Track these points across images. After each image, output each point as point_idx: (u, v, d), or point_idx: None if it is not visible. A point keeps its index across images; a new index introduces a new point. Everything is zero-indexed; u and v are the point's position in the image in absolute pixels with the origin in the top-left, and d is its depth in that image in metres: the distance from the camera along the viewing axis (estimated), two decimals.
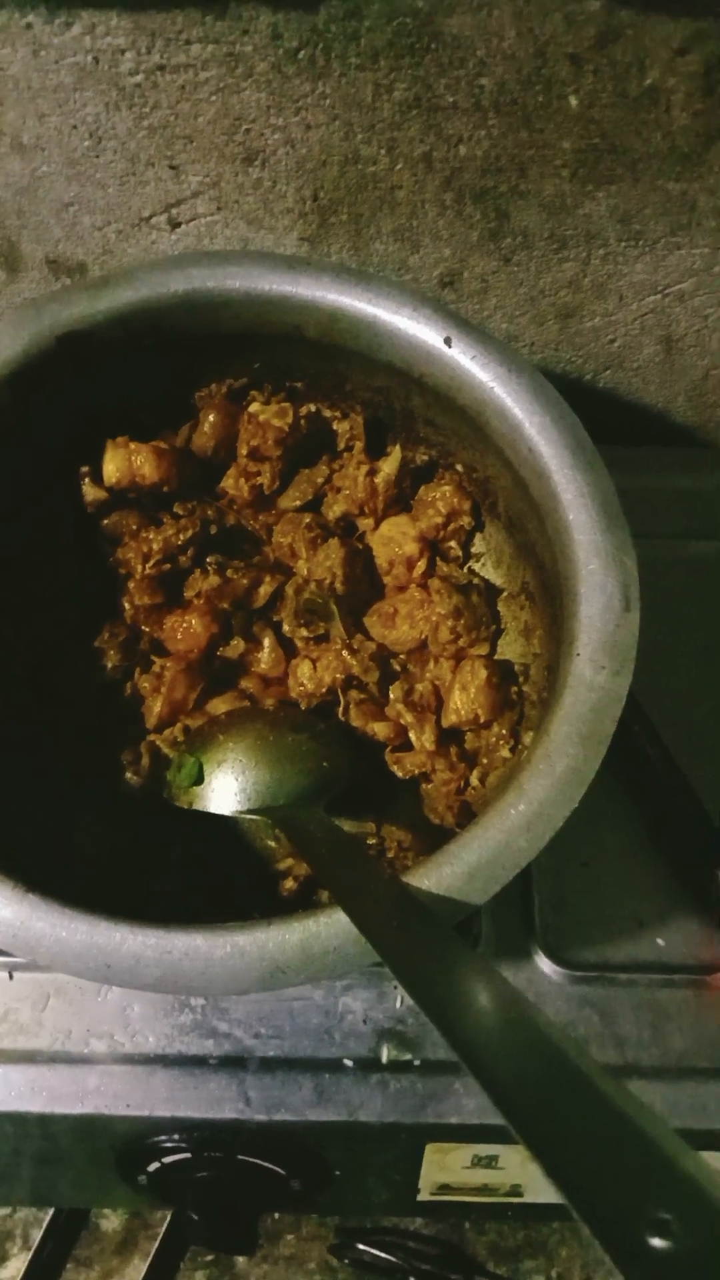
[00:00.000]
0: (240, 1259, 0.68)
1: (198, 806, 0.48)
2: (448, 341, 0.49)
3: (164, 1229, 0.68)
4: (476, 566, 0.58)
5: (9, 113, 0.54)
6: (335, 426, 0.58)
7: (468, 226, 0.60)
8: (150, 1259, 0.68)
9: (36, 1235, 0.70)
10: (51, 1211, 0.70)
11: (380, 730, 0.54)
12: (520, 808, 0.40)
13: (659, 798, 0.56)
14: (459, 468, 0.56)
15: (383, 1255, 0.68)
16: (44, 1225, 0.68)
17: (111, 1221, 0.71)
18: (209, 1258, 0.69)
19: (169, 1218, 0.68)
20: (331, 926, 0.38)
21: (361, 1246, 0.67)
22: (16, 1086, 0.51)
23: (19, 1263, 0.69)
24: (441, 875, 0.39)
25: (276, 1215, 0.68)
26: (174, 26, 0.50)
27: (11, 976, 0.54)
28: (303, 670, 0.55)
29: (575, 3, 0.48)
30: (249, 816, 0.47)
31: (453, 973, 0.34)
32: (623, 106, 0.52)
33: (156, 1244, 0.68)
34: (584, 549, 0.45)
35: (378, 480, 0.57)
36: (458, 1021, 0.32)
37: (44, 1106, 0.51)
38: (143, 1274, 0.68)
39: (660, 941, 0.54)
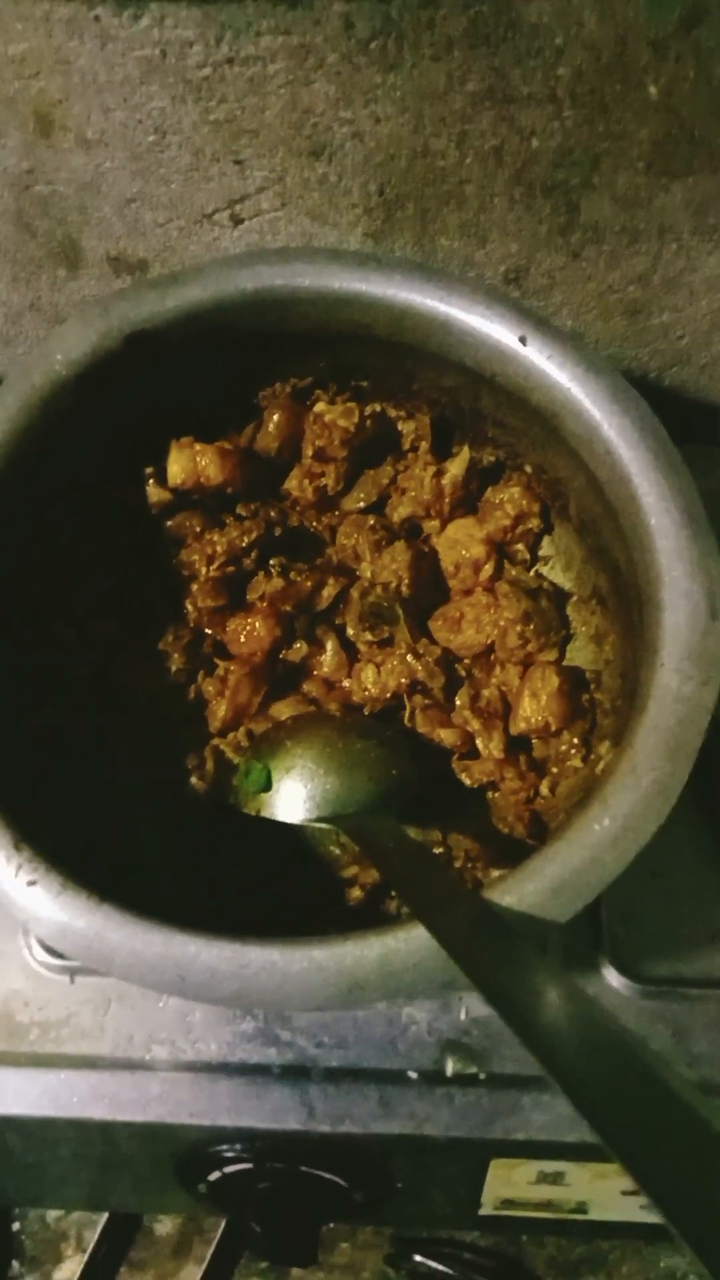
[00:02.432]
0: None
1: (265, 814, 0.47)
2: (523, 340, 0.48)
3: (219, 1233, 0.68)
4: (545, 570, 0.56)
5: (74, 106, 0.54)
6: (400, 426, 0.57)
7: (537, 221, 0.58)
8: (205, 1264, 0.68)
9: (90, 1237, 0.69)
10: (106, 1214, 0.69)
11: (446, 737, 0.53)
12: (605, 823, 0.39)
13: None
14: (528, 469, 0.55)
15: (439, 1267, 0.67)
16: (98, 1228, 0.68)
17: (165, 1225, 0.71)
18: (264, 1264, 0.68)
19: (224, 1222, 0.67)
20: (411, 943, 0.37)
21: (418, 1258, 0.67)
22: (79, 1092, 0.51)
23: (74, 1265, 0.69)
24: (524, 892, 0.38)
25: (332, 1224, 0.67)
26: (244, 17, 0.49)
27: (73, 980, 0.53)
28: (366, 674, 0.55)
29: None
30: (317, 825, 0.47)
31: (542, 995, 0.33)
32: (705, 95, 0.51)
33: (211, 1249, 0.68)
34: (666, 555, 0.43)
35: (444, 481, 0.56)
36: (555, 1047, 0.31)
37: (107, 1113, 0.50)
38: (198, 1279, 0.68)
39: None
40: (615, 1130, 0.27)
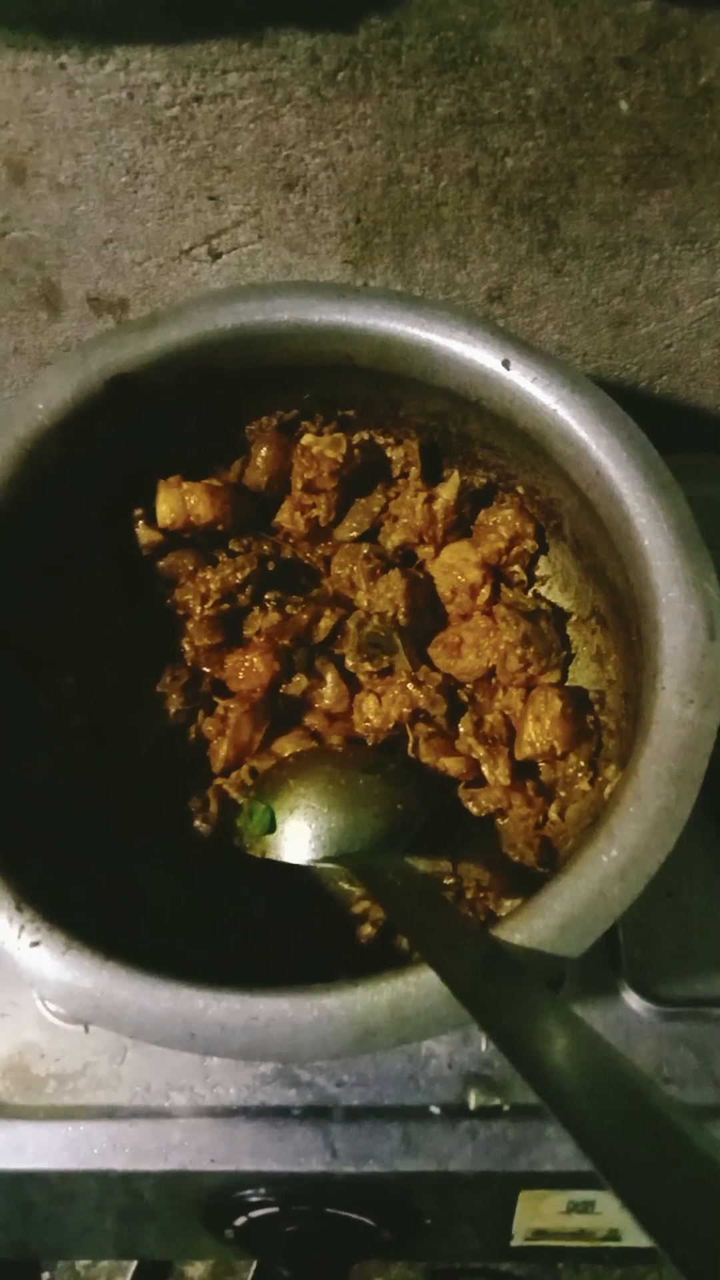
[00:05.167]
0: None
1: (271, 856, 0.47)
2: (506, 364, 0.48)
3: (251, 1274, 0.67)
4: (542, 590, 0.56)
5: (46, 154, 0.54)
6: (389, 454, 0.57)
7: (516, 240, 0.58)
8: None
9: None
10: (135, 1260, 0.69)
11: (451, 766, 0.52)
12: (612, 854, 0.38)
13: None
14: (520, 490, 0.55)
15: None
16: (129, 1274, 0.68)
17: (197, 1268, 0.70)
18: None
19: (255, 1263, 0.67)
20: (422, 987, 0.37)
21: None
22: (99, 1144, 0.50)
23: None
24: (533, 929, 0.38)
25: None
26: (210, 57, 0.49)
27: (87, 1030, 0.53)
28: (368, 705, 0.54)
29: (625, 5, 0.46)
30: (324, 865, 0.46)
31: (551, 1038, 0.33)
32: (676, 108, 0.50)
33: None
34: (662, 575, 0.43)
35: (436, 507, 0.55)
36: (563, 1093, 0.31)
37: (128, 1164, 0.50)
38: None
39: None
40: (621, 1173, 0.28)
